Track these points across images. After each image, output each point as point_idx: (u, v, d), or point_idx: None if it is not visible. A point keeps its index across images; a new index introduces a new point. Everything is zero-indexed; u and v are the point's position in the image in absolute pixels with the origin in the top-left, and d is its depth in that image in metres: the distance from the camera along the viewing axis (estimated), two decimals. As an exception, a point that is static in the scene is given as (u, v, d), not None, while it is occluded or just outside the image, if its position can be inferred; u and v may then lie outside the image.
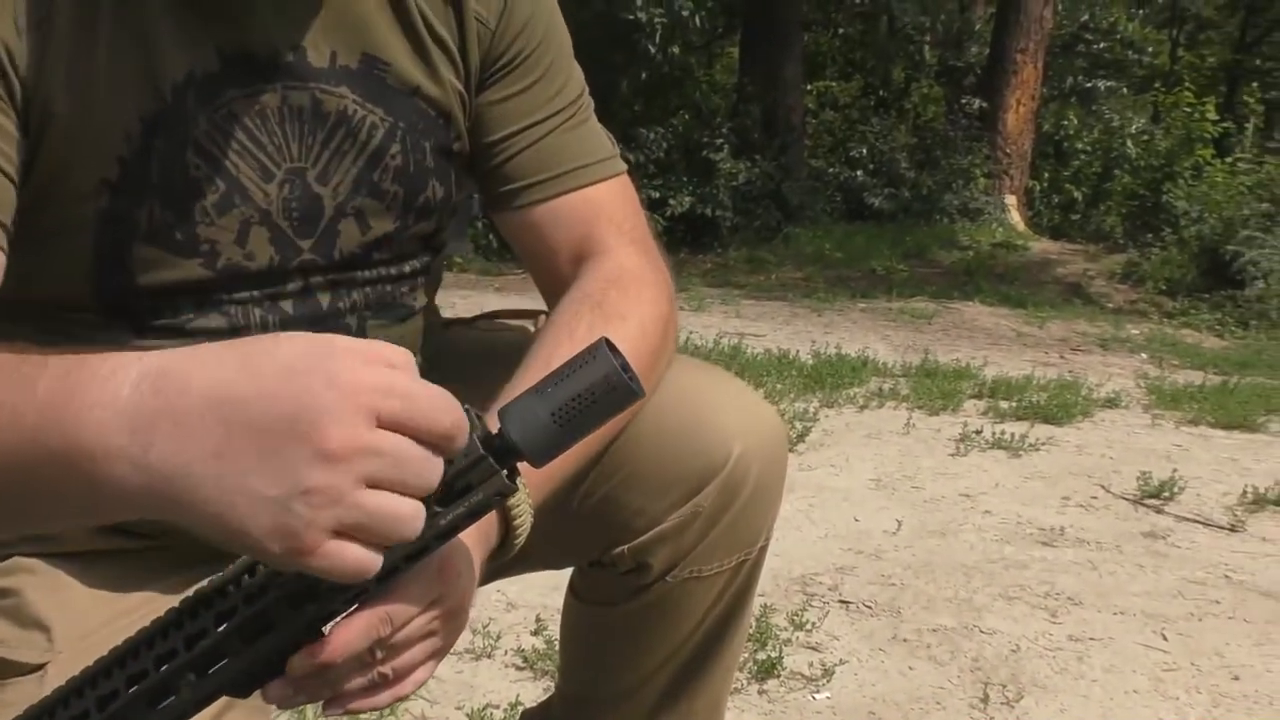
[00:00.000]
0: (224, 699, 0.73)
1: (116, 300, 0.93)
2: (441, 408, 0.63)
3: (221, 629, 0.71)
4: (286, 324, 0.97)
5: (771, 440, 1.05)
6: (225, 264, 0.93)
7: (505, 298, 7.45)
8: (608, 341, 0.70)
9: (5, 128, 0.84)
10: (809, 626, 2.20)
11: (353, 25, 0.94)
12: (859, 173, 11.69)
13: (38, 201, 0.87)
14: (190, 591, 0.74)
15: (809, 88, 13.16)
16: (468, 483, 0.70)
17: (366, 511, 0.60)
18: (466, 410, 0.70)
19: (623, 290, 0.99)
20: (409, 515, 0.62)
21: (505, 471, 0.71)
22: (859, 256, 9.51)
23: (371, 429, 0.60)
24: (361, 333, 1.00)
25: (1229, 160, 9.50)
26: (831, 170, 11.96)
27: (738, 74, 12.47)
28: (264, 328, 0.96)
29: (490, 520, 0.84)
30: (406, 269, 1.04)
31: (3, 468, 0.63)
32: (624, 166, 1.09)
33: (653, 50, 9.92)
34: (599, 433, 0.92)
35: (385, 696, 0.77)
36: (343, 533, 0.60)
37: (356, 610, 0.73)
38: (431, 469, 0.63)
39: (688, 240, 10.16)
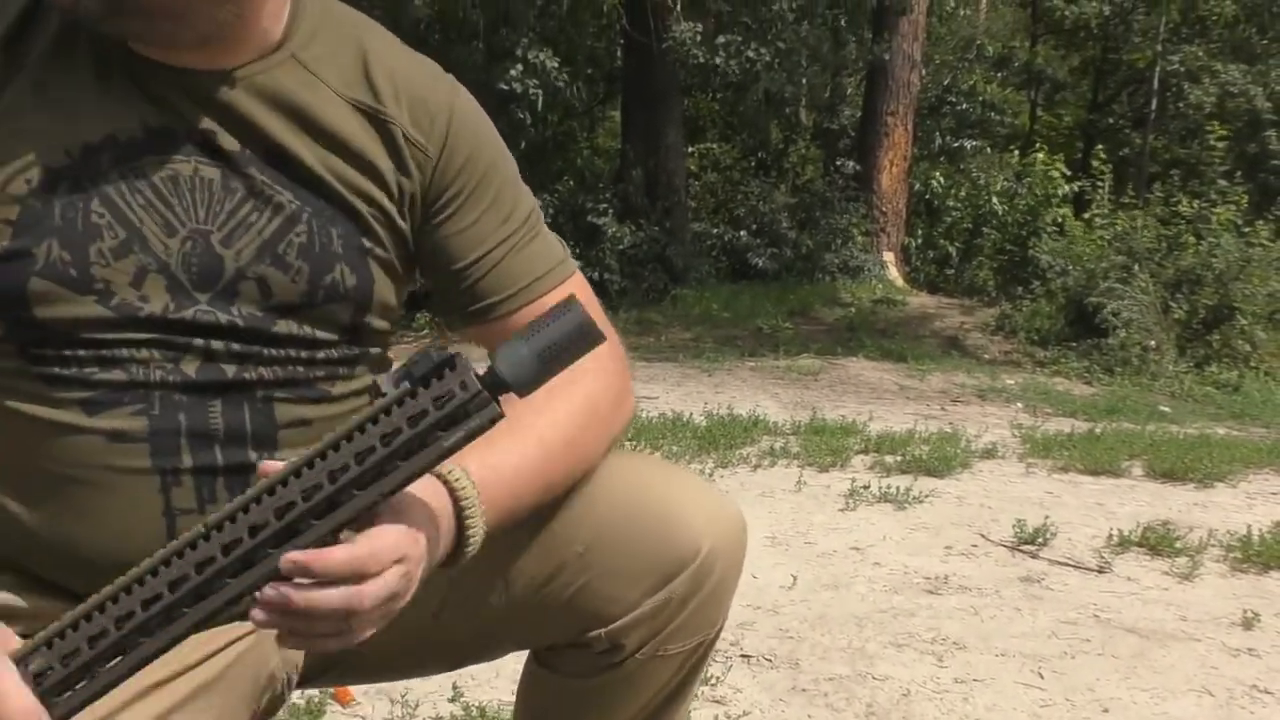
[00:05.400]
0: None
1: (24, 341, 0.98)
2: None
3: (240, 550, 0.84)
4: (188, 387, 1.00)
5: (735, 538, 1.16)
6: (120, 303, 0.98)
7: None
8: (575, 298, 0.87)
9: None
10: (713, 681, 2.30)
11: (262, 128, 1.03)
12: (742, 233, 11.98)
13: None
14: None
15: (691, 150, 13.47)
16: (465, 411, 0.85)
17: None
18: (456, 355, 0.85)
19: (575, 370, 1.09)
20: None
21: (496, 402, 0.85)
22: (745, 316, 9.73)
23: None
24: (268, 406, 1.04)
25: (1086, 216, 10.02)
26: (715, 231, 12.22)
27: (620, 139, 12.70)
28: (164, 387, 0.99)
29: (449, 532, 0.95)
30: (320, 355, 1.07)
31: None
32: (574, 267, 1.20)
33: (530, 120, 10.05)
34: (547, 484, 1.06)
35: (335, 642, 0.88)
36: None
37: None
38: None
39: (576, 304, 10.26)
